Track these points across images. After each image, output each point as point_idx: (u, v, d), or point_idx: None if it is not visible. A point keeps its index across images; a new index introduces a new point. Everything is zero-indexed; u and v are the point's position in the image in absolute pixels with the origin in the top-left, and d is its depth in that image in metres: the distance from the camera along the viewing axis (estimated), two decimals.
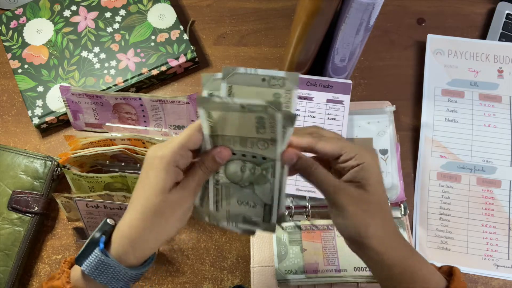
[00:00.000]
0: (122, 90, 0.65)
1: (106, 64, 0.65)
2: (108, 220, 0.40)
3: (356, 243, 0.39)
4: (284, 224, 0.58)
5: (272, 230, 0.43)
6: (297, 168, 0.40)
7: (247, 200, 0.42)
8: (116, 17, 0.67)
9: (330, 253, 0.56)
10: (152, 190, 0.37)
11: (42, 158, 0.60)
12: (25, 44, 0.66)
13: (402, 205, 0.57)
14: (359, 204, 0.38)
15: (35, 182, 0.59)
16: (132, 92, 0.65)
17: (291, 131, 0.38)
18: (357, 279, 0.55)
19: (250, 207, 0.43)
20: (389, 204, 0.41)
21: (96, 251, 0.38)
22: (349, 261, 0.55)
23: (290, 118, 0.36)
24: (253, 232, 0.44)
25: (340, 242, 0.57)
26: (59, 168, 0.60)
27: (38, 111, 0.63)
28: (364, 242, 0.38)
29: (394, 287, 0.40)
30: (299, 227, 0.58)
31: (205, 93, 0.40)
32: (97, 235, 0.39)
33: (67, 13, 0.68)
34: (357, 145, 0.40)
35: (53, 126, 0.65)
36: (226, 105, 0.36)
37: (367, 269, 0.55)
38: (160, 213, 0.38)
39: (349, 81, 0.62)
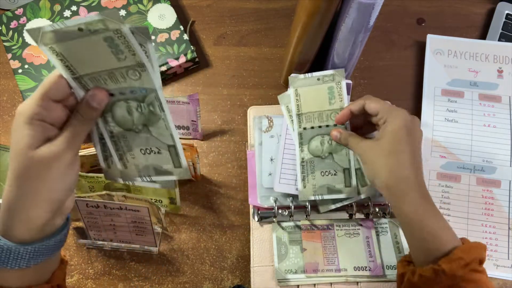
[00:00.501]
0: None
1: None
2: None
3: (374, 185, 0.48)
4: (284, 224, 0.58)
5: (181, 175, 0.42)
6: (339, 141, 0.54)
7: (150, 146, 0.40)
8: None
9: (330, 253, 0.56)
10: (17, 150, 0.34)
11: None
12: (25, 44, 0.66)
13: None
14: (373, 151, 0.47)
15: None
16: None
17: (152, 48, 0.35)
18: (357, 279, 0.55)
19: (155, 153, 0.40)
20: (407, 151, 0.46)
21: None
22: (349, 260, 0.55)
23: (142, 31, 0.33)
24: (173, 184, 0.43)
25: (340, 241, 0.57)
26: None
27: None
28: (375, 183, 0.48)
29: (408, 234, 0.45)
30: (299, 227, 0.58)
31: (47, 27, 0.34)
32: None
33: (67, 13, 0.68)
34: (392, 108, 0.48)
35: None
36: (62, 32, 0.32)
37: (367, 268, 0.55)
38: (31, 173, 0.34)
39: (350, 81, 0.62)
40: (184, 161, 0.41)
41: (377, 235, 0.57)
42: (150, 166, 0.41)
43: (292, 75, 0.60)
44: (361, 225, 0.58)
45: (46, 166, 0.34)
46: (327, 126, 0.56)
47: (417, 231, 0.43)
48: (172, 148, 0.41)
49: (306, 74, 0.56)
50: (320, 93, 0.56)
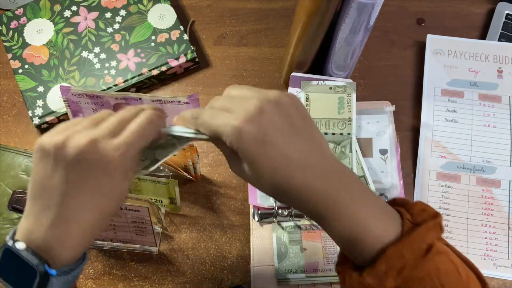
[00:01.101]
0: (123, 90, 0.65)
1: (107, 64, 0.65)
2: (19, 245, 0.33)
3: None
4: (284, 224, 0.58)
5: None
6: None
7: None
8: (116, 17, 0.67)
9: (330, 253, 0.56)
10: (110, 199, 0.34)
11: None
12: (25, 44, 0.66)
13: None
14: (245, 177, 0.35)
15: None
16: (132, 92, 0.65)
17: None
18: None
19: None
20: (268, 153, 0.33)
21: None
22: None
23: None
24: None
25: None
26: None
27: (39, 111, 0.63)
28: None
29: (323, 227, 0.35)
30: (299, 226, 0.58)
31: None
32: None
33: (67, 13, 0.68)
34: (228, 122, 0.33)
35: (54, 126, 0.65)
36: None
37: None
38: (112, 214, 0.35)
39: (350, 80, 0.62)
40: None
41: None
42: None
43: (293, 74, 0.60)
44: None
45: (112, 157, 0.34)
46: (333, 134, 0.58)
47: (334, 228, 0.33)
48: None
49: (319, 81, 0.60)
50: (330, 102, 0.58)
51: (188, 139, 0.39)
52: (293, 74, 0.62)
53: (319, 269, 0.55)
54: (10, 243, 0.33)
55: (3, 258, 0.33)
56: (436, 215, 0.33)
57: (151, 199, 0.56)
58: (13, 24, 0.68)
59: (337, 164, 0.35)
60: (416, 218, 0.33)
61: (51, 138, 0.34)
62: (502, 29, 0.69)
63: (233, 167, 0.35)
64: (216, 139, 0.34)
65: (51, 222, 0.33)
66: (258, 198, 0.58)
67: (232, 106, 0.34)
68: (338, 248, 0.56)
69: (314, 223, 0.58)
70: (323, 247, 0.56)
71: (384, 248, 0.31)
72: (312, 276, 0.55)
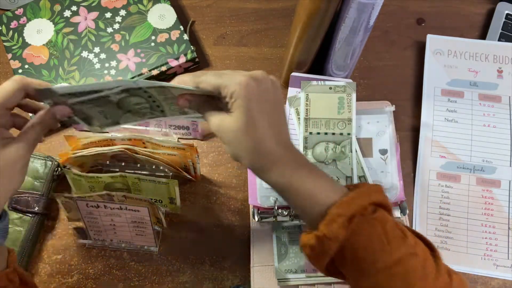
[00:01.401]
0: None
1: (107, 64, 0.65)
2: None
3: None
4: (284, 224, 0.58)
5: None
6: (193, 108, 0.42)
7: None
8: (116, 18, 0.67)
9: None
10: None
11: (42, 158, 0.60)
12: (25, 44, 0.66)
13: (401, 205, 0.57)
14: (228, 130, 0.39)
15: (35, 182, 0.59)
16: None
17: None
18: None
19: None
20: (262, 123, 0.39)
21: None
22: None
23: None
24: None
25: None
26: (59, 168, 0.60)
27: None
28: (240, 162, 0.40)
29: (290, 203, 0.41)
30: (299, 226, 0.58)
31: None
32: None
33: (67, 13, 0.68)
34: (233, 79, 0.38)
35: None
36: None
37: None
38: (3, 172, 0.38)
39: (350, 80, 0.62)
40: None
41: None
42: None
43: (293, 74, 0.60)
44: None
45: (14, 164, 0.39)
46: (333, 134, 0.58)
47: (293, 199, 0.39)
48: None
49: (319, 81, 0.60)
50: (330, 102, 0.58)
51: (171, 99, 0.41)
52: (293, 74, 0.62)
53: None
54: None
55: None
56: (380, 190, 0.39)
57: (151, 199, 0.56)
58: (13, 24, 0.68)
59: (293, 148, 0.41)
60: (364, 190, 0.39)
61: None
62: (502, 29, 0.69)
63: (214, 121, 0.40)
64: (210, 94, 0.40)
65: None
66: (258, 198, 0.58)
67: (235, 73, 0.40)
68: None
69: None
70: None
71: (333, 203, 0.37)
72: (312, 276, 0.55)
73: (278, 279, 0.55)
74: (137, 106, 0.43)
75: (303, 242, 0.39)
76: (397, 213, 0.57)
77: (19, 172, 0.40)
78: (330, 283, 0.55)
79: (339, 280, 0.54)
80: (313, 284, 0.55)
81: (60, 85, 0.42)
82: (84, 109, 0.45)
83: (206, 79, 0.39)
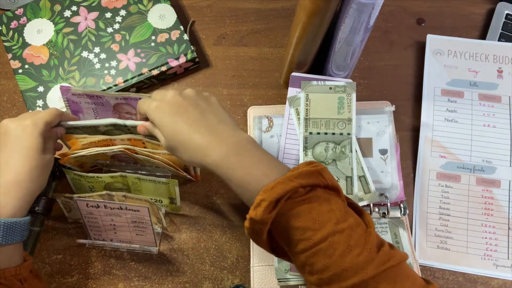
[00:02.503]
0: (123, 90, 0.65)
1: (107, 64, 0.65)
2: None
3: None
4: None
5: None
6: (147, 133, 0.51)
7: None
8: (116, 18, 0.67)
9: None
10: (31, 151, 0.47)
11: None
12: (25, 44, 0.66)
13: (401, 205, 0.57)
14: (172, 151, 0.46)
15: None
16: (132, 92, 0.65)
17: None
18: None
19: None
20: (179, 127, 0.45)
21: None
22: None
23: None
24: None
25: None
26: (59, 168, 0.60)
27: None
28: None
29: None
30: None
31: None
32: None
33: (67, 13, 0.68)
34: (149, 106, 0.47)
35: (54, 126, 0.65)
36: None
37: None
38: (41, 170, 0.48)
39: (350, 80, 0.62)
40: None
41: None
42: None
43: (293, 74, 0.60)
44: None
45: (49, 166, 0.49)
46: (333, 134, 0.58)
47: (230, 184, 0.42)
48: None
49: (319, 81, 0.60)
50: (330, 102, 0.58)
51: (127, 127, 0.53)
52: (293, 74, 0.62)
53: None
54: None
55: None
56: (316, 167, 0.40)
57: (151, 199, 0.56)
58: (13, 24, 0.68)
59: (237, 134, 0.44)
60: (302, 168, 0.40)
61: None
62: (502, 29, 0.69)
63: (159, 136, 0.47)
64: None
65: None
66: None
67: (155, 97, 0.49)
68: None
69: None
70: None
71: (261, 188, 0.39)
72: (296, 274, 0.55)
73: (278, 279, 0.55)
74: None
75: (245, 224, 0.41)
76: (397, 213, 0.57)
77: (48, 174, 0.50)
78: None
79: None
80: None
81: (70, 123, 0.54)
82: (74, 133, 0.55)
83: (138, 107, 0.50)
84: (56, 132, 0.52)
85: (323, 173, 0.40)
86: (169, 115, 0.45)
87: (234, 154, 0.42)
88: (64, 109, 0.63)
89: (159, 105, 0.46)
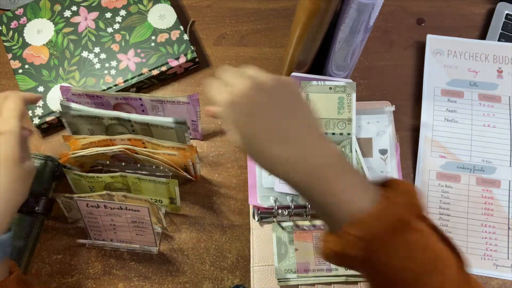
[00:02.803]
0: (123, 90, 0.65)
1: (107, 64, 0.65)
2: None
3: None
4: (284, 224, 0.58)
5: None
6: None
7: None
8: (116, 18, 0.67)
9: None
10: (9, 163, 0.43)
11: (42, 158, 0.60)
12: (25, 44, 0.66)
13: None
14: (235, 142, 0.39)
15: (35, 182, 0.59)
16: (132, 92, 0.65)
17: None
18: (349, 279, 0.55)
19: None
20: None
21: None
22: None
23: None
24: None
25: None
26: (59, 168, 0.60)
27: (39, 111, 0.63)
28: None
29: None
30: (297, 226, 0.58)
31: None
32: None
33: (67, 13, 0.68)
34: (220, 96, 0.39)
35: (54, 126, 0.65)
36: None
37: None
38: (22, 180, 0.44)
39: (350, 81, 0.62)
40: None
41: None
42: None
43: (293, 74, 0.60)
44: None
45: (30, 175, 0.45)
46: (333, 134, 0.58)
47: (309, 201, 0.37)
48: None
49: (319, 81, 0.60)
50: (330, 102, 0.58)
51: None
52: (293, 74, 0.62)
53: (310, 269, 0.55)
54: None
55: None
56: (413, 194, 0.35)
57: (151, 199, 0.56)
58: (13, 24, 0.68)
59: (325, 146, 0.37)
60: (396, 196, 0.35)
61: None
62: (502, 29, 0.69)
63: (230, 135, 0.40)
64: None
65: None
66: (258, 198, 0.58)
67: (226, 79, 0.40)
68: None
69: (313, 223, 0.58)
70: (314, 247, 0.56)
71: (352, 217, 0.33)
72: (303, 276, 0.55)
73: (278, 279, 0.55)
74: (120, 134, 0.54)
75: (326, 245, 0.36)
76: None
77: (30, 182, 0.46)
78: (330, 283, 0.55)
79: (339, 280, 0.55)
80: (313, 284, 0.55)
81: (76, 109, 0.53)
82: (78, 123, 0.54)
83: (206, 94, 0.41)
84: (27, 131, 0.47)
85: (417, 198, 0.36)
86: (243, 115, 0.38)
87: (321, 176, 0.36)
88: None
89: (231, 100, 0.38)
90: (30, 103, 0.50)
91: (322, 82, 0.60)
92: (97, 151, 0.55)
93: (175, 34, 0.67)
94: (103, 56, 0.66)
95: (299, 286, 0.55)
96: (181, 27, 0.67)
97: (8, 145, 0.43)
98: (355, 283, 0.55)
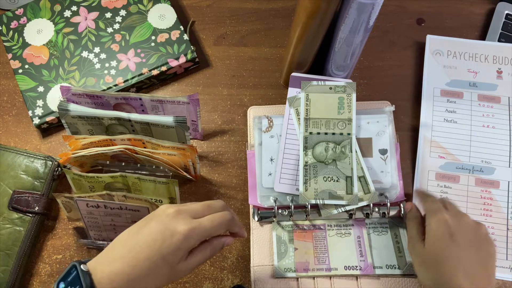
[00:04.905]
0: (123, 90, 0.65)
1: (107, 64, 0.65)
2: (82, 267, 0.39)
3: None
4: (284, 223, 0.58)
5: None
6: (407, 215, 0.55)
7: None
8: (116, 18, 0.67)
9: (321, 252, 0.56)
10: (168, 256, 0.39)
11: (42, 158, 0.60)
12: (25, 44, 0.66)
13: (401, 205, 0.57)
14: (418, 257, 0.50)
15: (35, 182, 0.59)
16: (132, 92, 0.65)
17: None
18: (348, 278, 0.55)
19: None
20: (450, 260, 0.46)
21: None
22: (340, 260, 0.56)
23: None
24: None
25: (331, 241, 0.57)
26: (59, 168, 0.60)
27: (39, 111, 0.63)
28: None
29: None
30: (297, 226, 0.58)
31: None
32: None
33: (67, 13, 0.68)
34: (435, 211, 0.50)
35: (54, 126, 0.65)
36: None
37: (358, 268, 0.55)
38: (173, 274, 0.40)
39: (350, 81, 0.62)
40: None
41: (368, 234, 0.57)
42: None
43: (293, 74, 0.60)
44: (352, 225, 0.58)
45: (177, 276, 0.41)
46: (333, 134, 0.58)
47: None
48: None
49: (319, 81, 0.60)
50: (330, 102, 0.58)
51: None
52: (293, 74, 0.62)
53: (309, 269, 0.55)
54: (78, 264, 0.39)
55: (68, 270, 0.39)
56: None
57: (151, 199, 0.56)
58: (13, 24, 0.68)
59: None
60: None
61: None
62: (502, 29, 0.69)
63: (410, 244, 0.52)
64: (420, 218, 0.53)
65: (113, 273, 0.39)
66: (258, 198, 0.58)
67: (446, 206, 0.52)
68: (329, 247, 0.56)
69: (313, 223, 0.58)
70: (314, 247, 0.57)
71: None
72: (302, 275, 0.55)
73: (278, 278, 0.55)
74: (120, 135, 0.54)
75: None
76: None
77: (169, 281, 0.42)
78: (329, 276, 0.55)
79: (338, 273, 0.55)
80: (313, 277, 0.55)
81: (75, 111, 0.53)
82: (78, 124, 0.54)
83: (427, 206, 0.53)
84: (230, 238, 0.45)
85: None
86: (459, 248, 0.47)
87: None
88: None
89: (448, 220, 0.48)
90: (234, 228, 0.46)
91: (322, 82, 0.60)
92: (97, 151, 0.55)
93: (175, 34, 0.67)
94: (103, 56, 0.66)
95: (299, 279, 0.55)
96: (181, 27, 0.67)
97: (175, 245, 0.40)
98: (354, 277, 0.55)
